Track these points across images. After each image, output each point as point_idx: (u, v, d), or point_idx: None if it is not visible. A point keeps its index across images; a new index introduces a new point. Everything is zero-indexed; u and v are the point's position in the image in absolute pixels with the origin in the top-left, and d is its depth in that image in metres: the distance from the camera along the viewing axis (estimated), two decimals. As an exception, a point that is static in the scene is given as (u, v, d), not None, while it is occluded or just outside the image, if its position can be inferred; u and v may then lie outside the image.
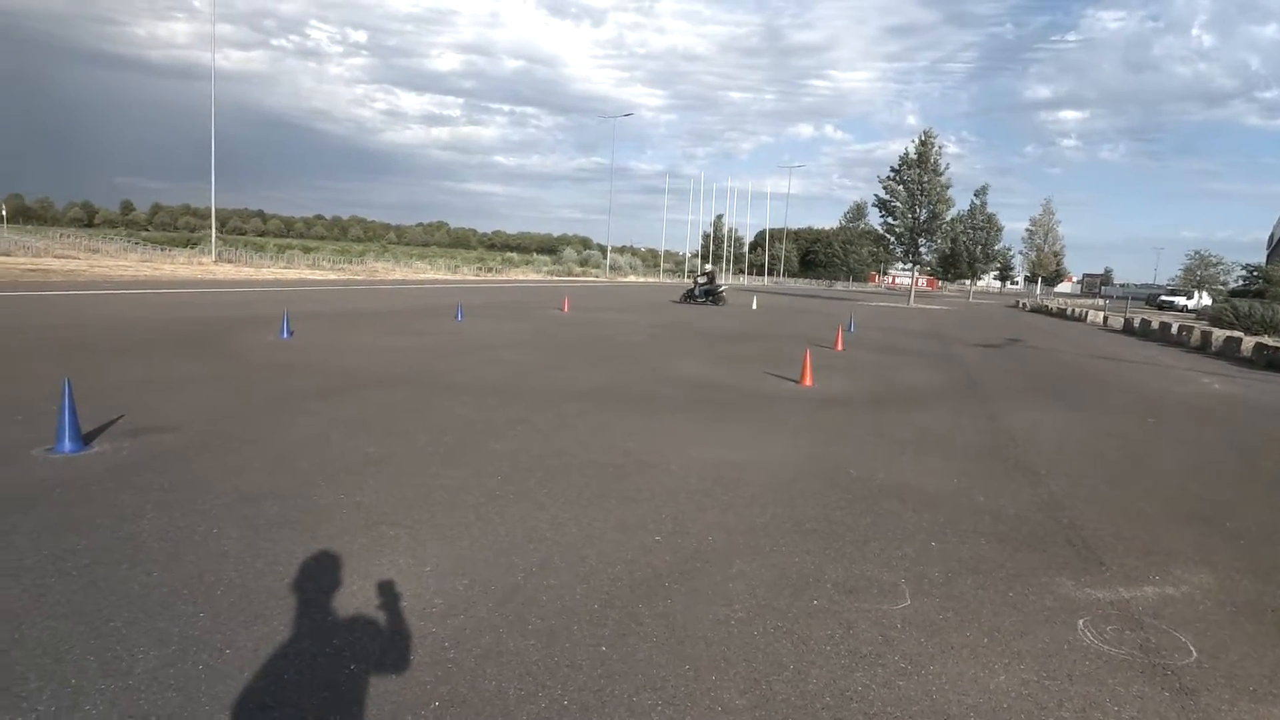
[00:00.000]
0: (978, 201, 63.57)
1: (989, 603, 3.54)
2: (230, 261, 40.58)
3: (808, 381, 10.04)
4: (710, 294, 29.42)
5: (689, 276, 30.36)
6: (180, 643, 2.80)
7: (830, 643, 3.07)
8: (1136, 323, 28.34)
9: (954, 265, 65.15)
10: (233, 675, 2.61)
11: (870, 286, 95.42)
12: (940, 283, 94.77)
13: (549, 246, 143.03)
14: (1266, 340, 18.76)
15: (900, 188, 42.80)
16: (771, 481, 5.37)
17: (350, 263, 50.91)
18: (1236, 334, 19.97)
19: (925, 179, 42.13)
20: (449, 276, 48.56)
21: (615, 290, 41.27)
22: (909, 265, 47.43)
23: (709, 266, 32.37)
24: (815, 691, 2.71)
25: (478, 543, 3.93)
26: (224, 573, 3.41)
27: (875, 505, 4.94)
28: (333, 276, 37.94)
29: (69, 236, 50.88)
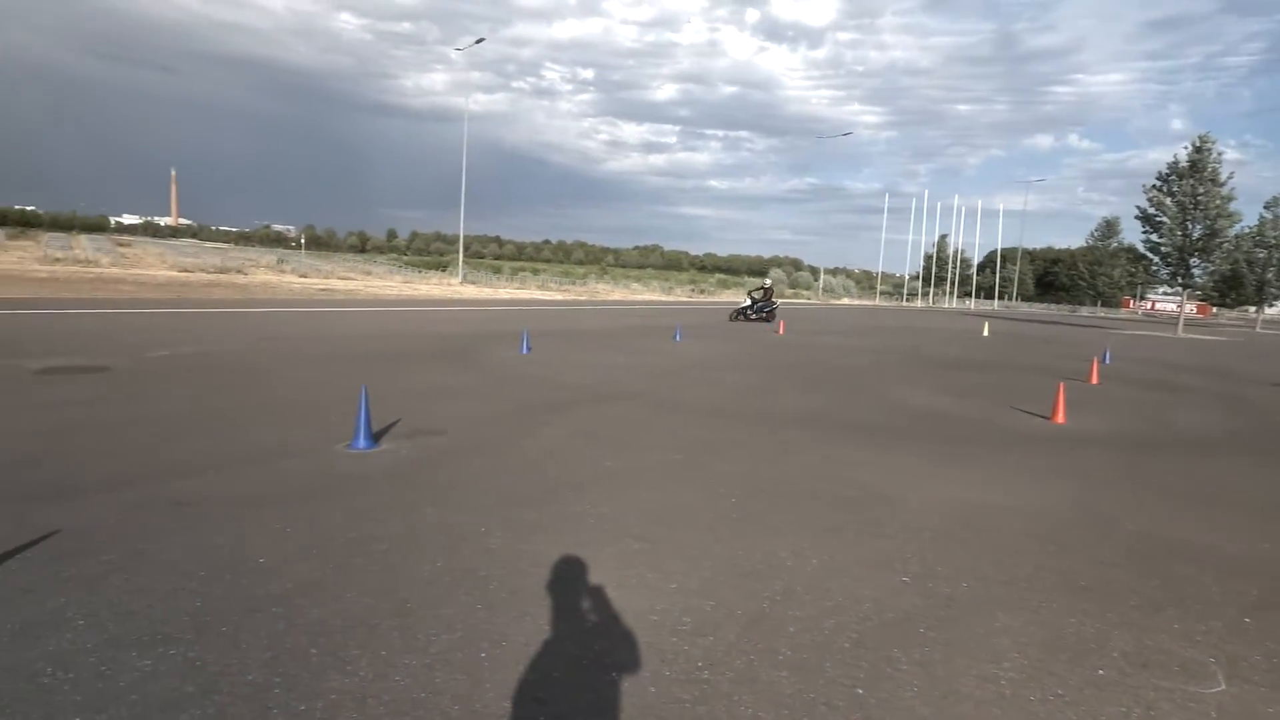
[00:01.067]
0: (1269, 215, 53.92)
1: (1335, 701, 2.92)
2: (473, 283, 45.04)
3: (1060, 418, 9.05)
4: (764, 311, 26.78)
5: (748, 293, 29.26)
6: (464, 630, 3.09)
7: (1125, 722, 2.70)
8: None
9: (1235, 289, 55.78)
10: (509, 666, 2.83)
11: (1123, 313, 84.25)
12: (1214, 309, 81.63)
13: (759, 268, 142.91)
14: None
15: (1168, 201, 37.48)
16: (1028, 529, 4.88)
17: (573, 284, 54.43)
18: None
19: (1200, 190, 36.54)
20: (663, 297, 50.17)
21: (829, 313, 40.18)
22: (1176, 289, 41.30)
23: (766, 281, 32.09)
24: (1113, 776, 2.39)
25: (719, 564, 3.96)
26: (493, 569, 3.73)
27: (1164, 567, 4.30)
28: (559, 296, 40.77)
29: (348, 261, 59.49)
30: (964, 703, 2.77)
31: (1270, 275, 54.22)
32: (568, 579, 3.67)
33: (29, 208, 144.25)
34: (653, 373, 11.55)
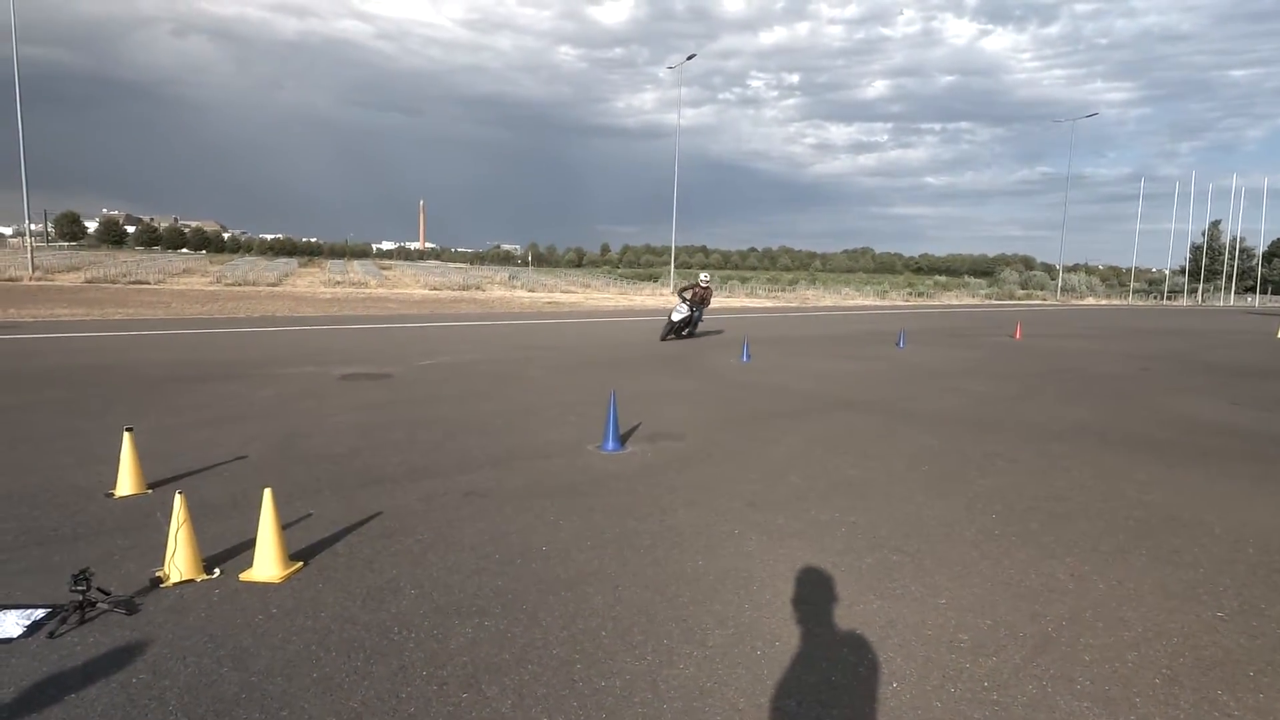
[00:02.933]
0: None
1: None
2: (683, 292, 46.38)
3: (1406, 437, 7.44)
4: (695, 322, 17.18)
5: (678, 292, 17.69)
6: (736, 627, 3.22)
7: None
8: None
9: None
10: (787, 665, 2.90)
11: None
12: None
13: (983, 268, 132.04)
14: None
15: None
16: (1380, 567, 4.08)
17: (782, 290, 53.84)
18: None
19: None
20: (877, 302, 48.02)
21: (1072, 315, 36.13)
22: None
23: (703, 276, 18.18)
24: None
25: (989, 581, 3.76)
26: (754, 571, 3.83)
27: None
28: (768, 304, 40.50)
29: (568, 275, 63.64)
30: (1322, 761, 2.40)
31: None
32: (828, 585, 3.67)
33: (312, 239, 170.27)
34: (882, 380, 11.13)
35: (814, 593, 3.59)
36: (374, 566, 3.78)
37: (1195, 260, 76.19)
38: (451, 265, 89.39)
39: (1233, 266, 74.31)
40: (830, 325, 24.49)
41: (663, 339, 16.45)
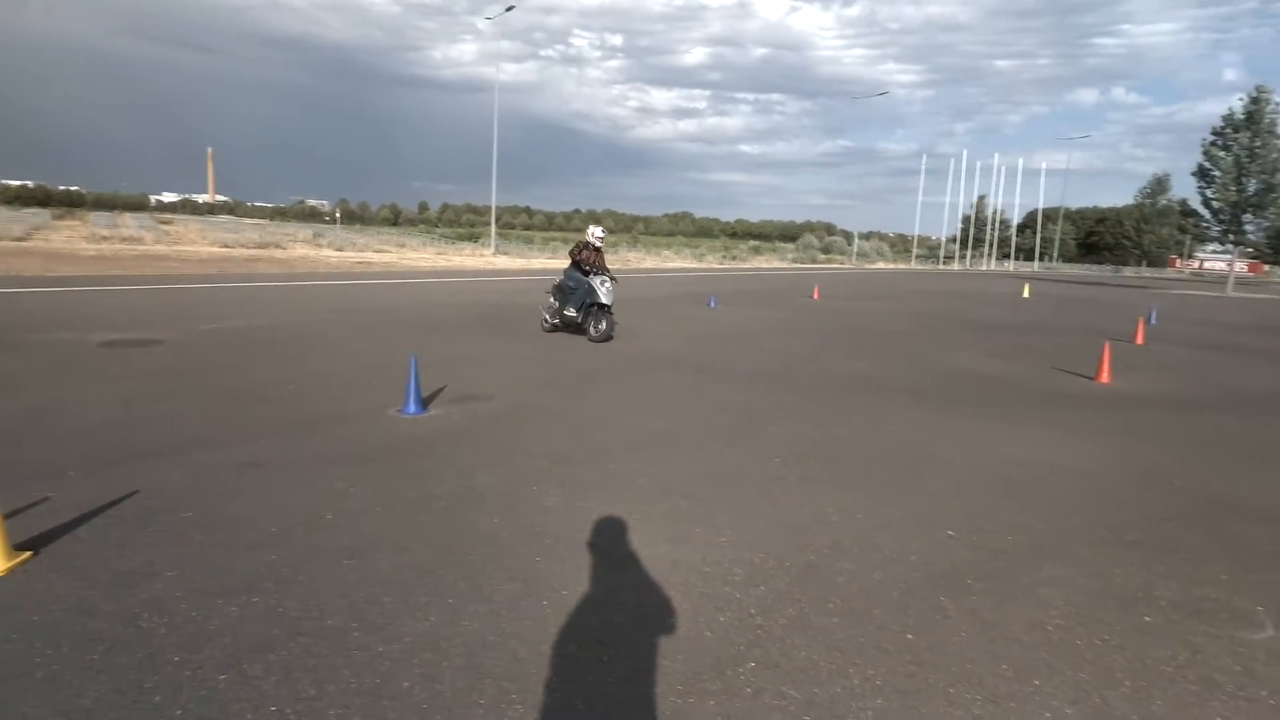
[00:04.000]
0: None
1: (1389, 649, 2.94)
2: (505, 253, 45.29)
3: (1105, 378, 8.94)
4: (588, 309, 10.89)
5: (571, 252, 11.28)
6: (526, 580, 3.24)
7: (1173, 665, 2.76)
8: None
9: (1292, 246, 53.62)
10: (573, 613, 2.98)
11: (1170, 272, 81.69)
12: (1266, 267, 78.75)
13: (791, 234, 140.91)
14: None
15: (1224, 155, 36.08)
16: (1075, 485, 4.90)
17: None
18: None
19: (1257, 144, 35.13)
20: (695, 265, 49.90)
21: (865, 277, 39.64)
22: (1227, 247, 39.95)
23: (596, 231, 11.27)
24: (1163, 715, 2.45)
25: (768, 520, 4.06)
26: (550, 525, 3.87)
27: (1212, 521, 4.31)
28: (591, 266, 40.82)
29: (382, 234, 60.14)
30: (1011, 646, 2.85)
31: (1329, 230, 51.98)
32: (623, 534, 3.80)
33: (73, 188, 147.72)
34: (692, 339, 11.60)
35: (607, 542, 3.69)
36: (124, 550, 3.39)
37: (965, 230, 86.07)
38: (247, 221, 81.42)
39: (994, 236, 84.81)
40: (649, 287, 25.10)
41: (548, 328, 11.32)
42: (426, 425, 5.79)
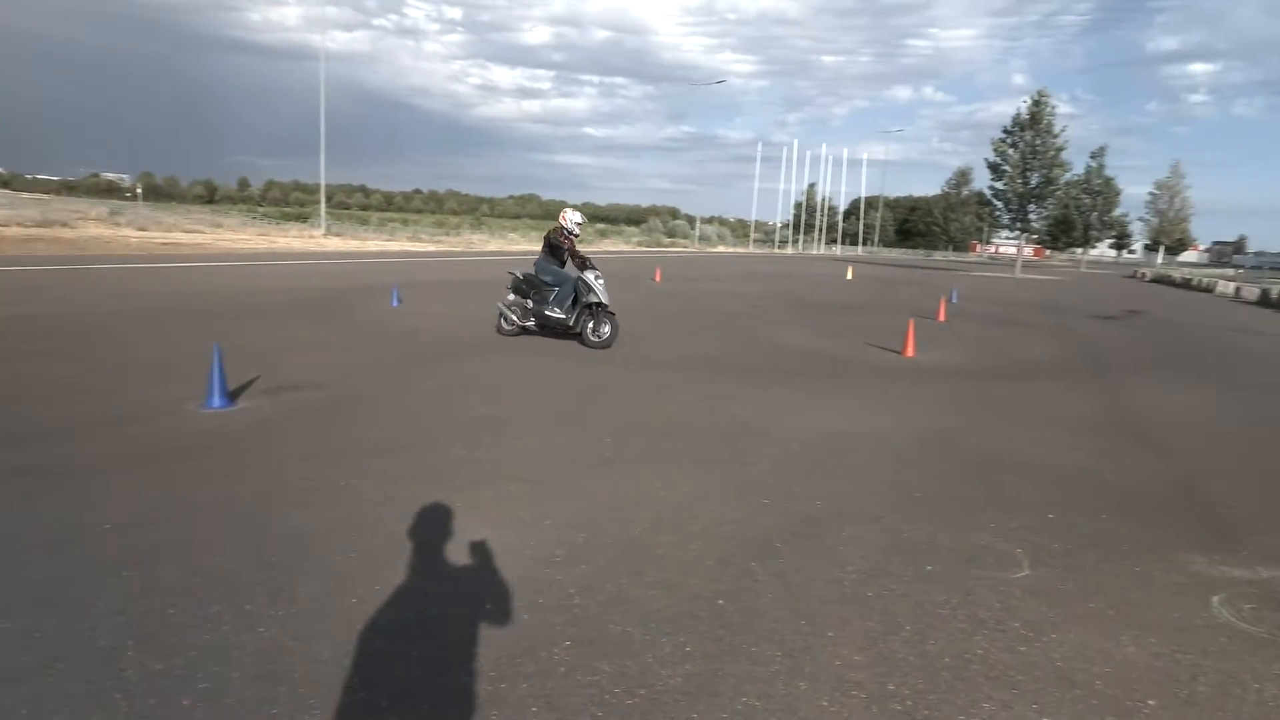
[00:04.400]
0: (1095, 164, 59.37)
1: (1113, 576, 3.44)
2: (338, 235, 42.62)
3: (910, 352, 9.80)
4: (585, 310, 9.31)
5: (547, 236, 9.56)
6: (335, 579, 3.07)
7: (948, 608, 3.07)
8: (1275, 294, 26.02)
9: (1066, 233, 61.28)
10: (383, 608, 2.85)
11: (971, 256, 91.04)
12: (1048, 252, 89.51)
13: (637, 217, 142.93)
14: None
15: (1011, 151, 40.49)
16: (878, 450, 5.33)
17: (447, 235, 52.57)
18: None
19: (1038, 142, 39.72)
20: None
21: (706, 260, 41.02)
22: (1015, 234, 44.99)
23: (574, 217, 9.50)
24: (935, 653, 2.72)
25: (594, 499, 4.10)
26: (365, 518, 3.69)
27: (988, 476, 4.84)
28: (432, 248, 39.32)
29: (194, 212, 54.67)
30: (812, 602, 3.05)
31: (1094, 219, 59.95)
32: (443, 522, 3.69)
33: None
34: (530, 322, 11.47)
35: (427, 532, 3.57)
36: None
37: (798, 216, 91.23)
38: (25, 195, 71.24)
39: (824, 222, 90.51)
40: (492, 270, 24.58)
41: (512, 331, 9.62)
42: (233, 420, 5.34)
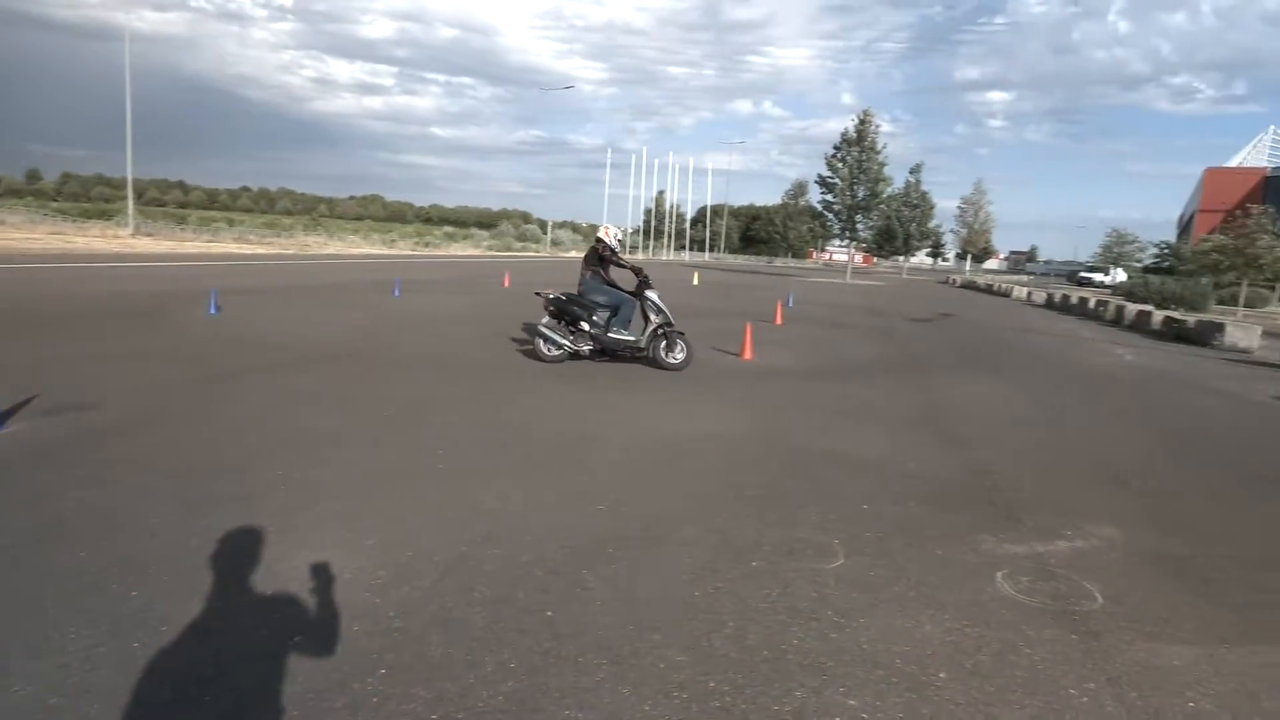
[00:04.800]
0: (913, 179, 64.98)
1: (917, 559, 3.73)
2: (149, 235, 38.56)
3: (748, 356, 10.22)
4: (657, 332, 8.98)
5: (596, 248, 9.06)
6: (112, 622, 2.73)
7: (768, 601, 3.19)
8: (1058, 298, 29.69)
9: (889, 242, 66.62)
10: (170, 651, 2.57)
11: (809, 263, 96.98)
12: (875, 259, 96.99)
13: (488, 221, 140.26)
14: (1175, 314, 19.88)
15: (841, 166, 43.50)
16: (714, 451, 5.49)
17: (279, 236, 49.05)
18: (1148, 308, 21.07)
19: (864, 158, 42.93)
20: (385, 251, 47.39)
21: (557, 266, 40.93)
22: (846, 242, 48.37)
23: (613, 231, 9.27)
24: (754, 646, 2.82)
25: (422, 516, 3.92)
26: (156, 551, 3.32)
27: (813, 472, 5.12)
28: (261, 251, 36.55)
29: (-31, 207, 47.52)
30: (641, 606, 3.07)
31: (914, 230, 65.65)
32: (250, 550, 3.39)
33: None
34: (369, 330, 10.92)
35: (230, 562, 3.26)
36: None
37: (648, 222, 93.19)
38: None
39: (672, 228, 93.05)
40: (328, 274, 23.22)
41: (558, 357, 8.85)
42: (1, 446, 4.65)
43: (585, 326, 8.79)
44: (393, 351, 9.07)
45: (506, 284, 21.86)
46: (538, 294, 9.20)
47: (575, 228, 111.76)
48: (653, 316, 8.87)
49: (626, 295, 9.01)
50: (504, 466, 4.84)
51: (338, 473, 4.52)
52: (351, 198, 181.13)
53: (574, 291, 8.98)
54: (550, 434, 5.71)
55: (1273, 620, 3.33)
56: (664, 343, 8.89)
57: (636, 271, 9.12)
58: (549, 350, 8.84)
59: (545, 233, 79.23)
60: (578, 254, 70.72)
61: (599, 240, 9.09)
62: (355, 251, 43.15)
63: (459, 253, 53.55)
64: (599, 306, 8.85)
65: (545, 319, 8.90)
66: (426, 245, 57.31)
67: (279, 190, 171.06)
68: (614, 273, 9.20)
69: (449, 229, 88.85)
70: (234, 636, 2.68)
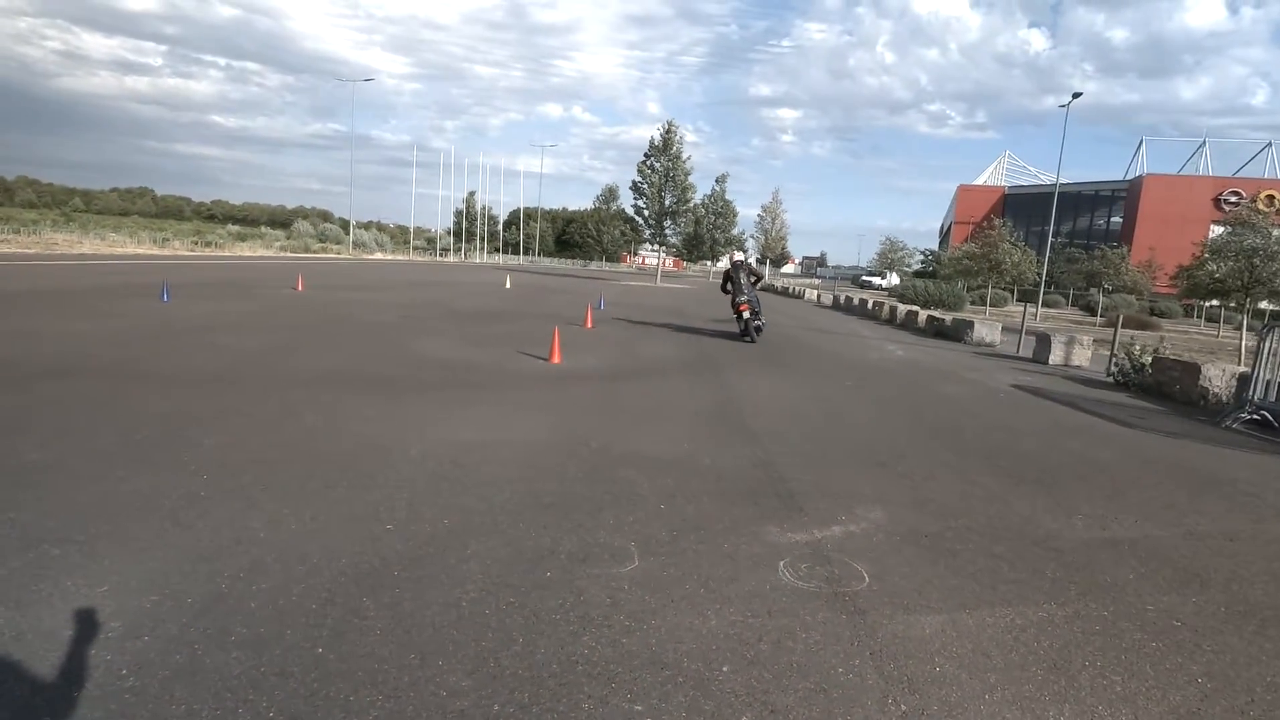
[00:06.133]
0: (718, 188, 68.54)
1: (707, 556, 3.86)
2: None
3: (556, 359, 10.20)
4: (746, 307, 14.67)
5: (729, 270, 14.91)
6: None
7: (560, 611, 3.15)
8: (843, 300, 32.69)
9: (697, 247, 69.81)
10: None
11: (623, 267, 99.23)
12: (684, 263, 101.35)
13: (282, 219, 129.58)
14: (935, 314, 22.58)
15: (651, 173, 44.90)
16: (512, 459, 5.38)
17: (17, 233, 42.01)
18: (915, 309, 23.76)
19: (671, 167, 44.61)
20: (156, 251, 42.18)
21: (359, 268, 38.63)
22: (657, 247, 50.03)
23: (741, 256, 19.59)
24: (543, 661, 2.76)
25: (173, 552, 3.46)
26: None
27: (611, 474, 5.16)
28: (-7, 249, 31.09)
29: None
30: (424, 631, 2.90)
31: (719, 236, 69.32)
32: (-64, 613, 2.80)
33: None
34: (125, 340, 9.60)
35: (-95, 629, 2.67)
36: None
37: (459, 224, 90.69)
38: None
39: (485, 230, 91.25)
40: (78, 276, 20.22)
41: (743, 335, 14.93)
42: None
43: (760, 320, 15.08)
44: (152, 365, 8.03)
45: (300, 288, 20.25)
46: (730, 269, 14.76)
47: (382, 228, 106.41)
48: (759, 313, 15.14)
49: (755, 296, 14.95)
50: (279, 488, 4.41)
51: (66, 510, 3.88)
52: (114, 190, 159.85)
53: (739, 295, 14.58)
54: (335, 450, 5.30)
55: (1002, 583, 3.80)
56: (759, 323, 15.03)
57: (747, 272, 14.80)
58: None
59: (347, 233, 74.56)
60: (385, 256, 67.25)
61: (746, 263, 15.30)
62: (118, 251, 38.02)
63: (248, 253, 48.89)
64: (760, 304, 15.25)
65: (747, 313, 14.61)
66: (208, 245, 51.66)
67: (18, 179, 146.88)
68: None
69: (235, 227, 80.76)
70: (-101, 725, 2.19)
